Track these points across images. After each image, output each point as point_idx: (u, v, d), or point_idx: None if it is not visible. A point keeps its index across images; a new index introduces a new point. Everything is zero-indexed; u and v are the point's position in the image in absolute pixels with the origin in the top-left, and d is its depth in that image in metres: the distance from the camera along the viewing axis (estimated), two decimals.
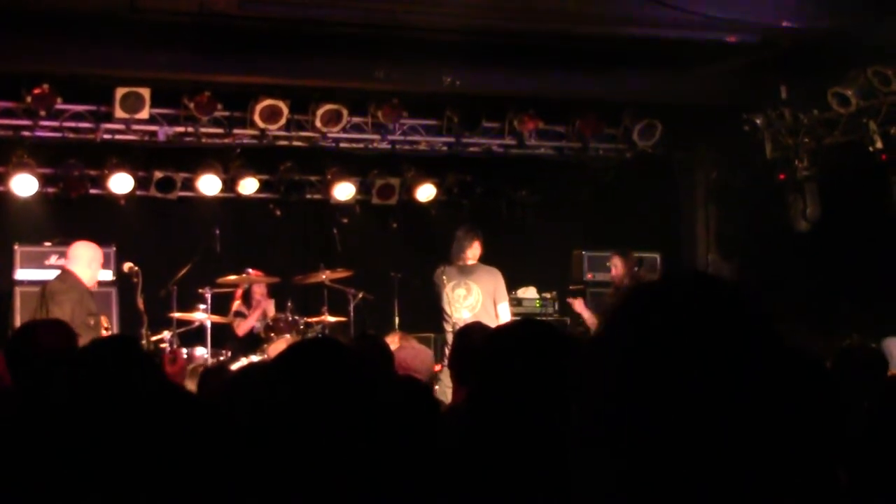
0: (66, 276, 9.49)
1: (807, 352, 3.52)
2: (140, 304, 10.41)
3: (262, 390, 2.72)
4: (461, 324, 9.58)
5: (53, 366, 4.13)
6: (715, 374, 1.49)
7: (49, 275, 10.80)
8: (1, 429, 3.80)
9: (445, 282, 10.54)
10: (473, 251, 10.64)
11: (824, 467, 2.59)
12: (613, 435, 1.51)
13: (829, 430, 3.24)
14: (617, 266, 11.70)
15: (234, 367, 9.92)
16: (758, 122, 11.42)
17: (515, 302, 12.52)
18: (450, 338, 9.97)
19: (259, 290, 12.13)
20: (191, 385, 7.22)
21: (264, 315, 11.87)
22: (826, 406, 3.32)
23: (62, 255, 11.36)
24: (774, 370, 1.53)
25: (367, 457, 2.58)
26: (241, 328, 11.94)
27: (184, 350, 10.72)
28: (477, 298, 10.58)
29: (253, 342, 11.60)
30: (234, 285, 11.92)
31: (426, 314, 11.81)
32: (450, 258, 10.71)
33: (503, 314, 10.62)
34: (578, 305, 11.89)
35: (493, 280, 10.68)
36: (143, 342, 10.15)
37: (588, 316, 11.72)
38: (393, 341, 8.01)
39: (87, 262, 9.52)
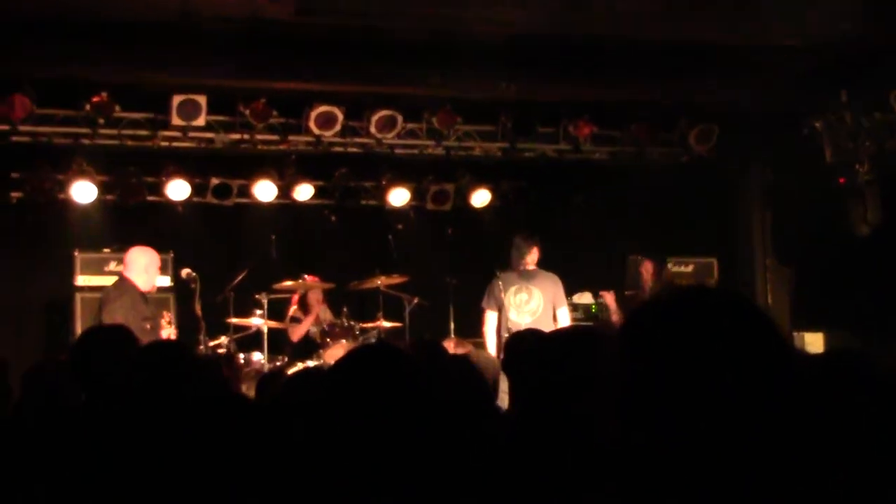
0: (120, 282, 9.59)
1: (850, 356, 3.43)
2: (198, 309, 10.46)
3: (321, 394, 2.71)
4: (522, 328, 9.66)
5: (114, 370, 4.16)
6: (704, 374, 1.69)
7: (109, 281, 10.98)
8: (67, 436, 3.83)
9: (502, 287, 10.59)
10: (532, 256, 10.76)
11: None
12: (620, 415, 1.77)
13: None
14: (648, 270, 11.61)
15: (291, 371, 9.98)
16: (817, 126, 11.30)
17: (572, 307, 12.44)
18: None
19: (315, 296, 12.15)
20: (249, 389, 7.24)
21: (318, 321, 11.89)
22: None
23: (121, 261, 11.49)
24: (762, 377, 1.74)
25: (424, 459, 2.57)
26: (296, 334, 11.98)
27: (241, 355, 10.79)
28: (538, 303, 10.66)
29: (309, 347, 11.63)
30: (291, 291, 11.96)
31: (482, 320, 11.79)
32: (509, 264, 10.78)
33: (563, 319, 10.74)
34: (609, 298, 11.82)
35: (554, 285, 10.79)
36: (202, 347, 10.23)
37: (616, 314, 11.65)
38: (449, 347, 8.00)
39: (144, 267, 9.60)
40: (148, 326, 9.35)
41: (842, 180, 11.47)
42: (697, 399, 1.67)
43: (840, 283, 11.68)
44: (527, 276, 10.72)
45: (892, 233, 11.18)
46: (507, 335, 10.15)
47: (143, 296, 9.51)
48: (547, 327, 10.49)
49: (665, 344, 1.73)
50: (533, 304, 10.65)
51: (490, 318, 10.76)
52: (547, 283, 10.79)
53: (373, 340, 11.17)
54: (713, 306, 1.80)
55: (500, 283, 10.64)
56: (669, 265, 12.35)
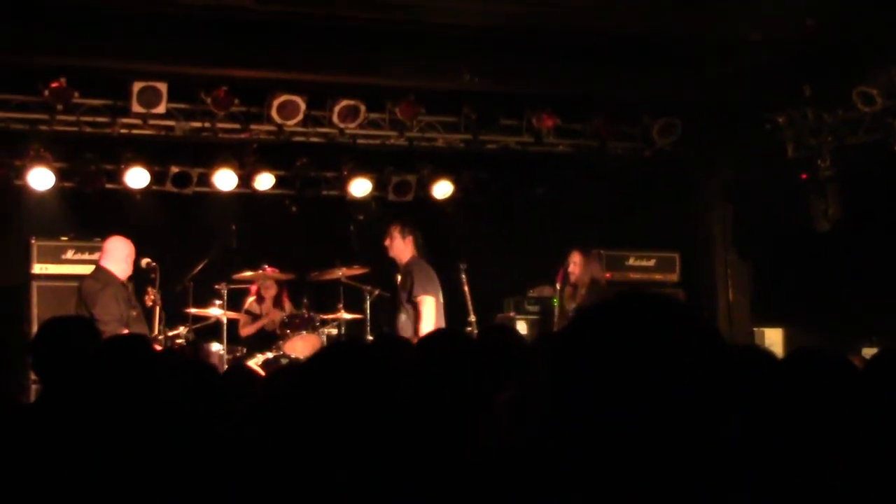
0: (98, 273, 9.63)
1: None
2: (157, 299, 10.39)
3: (291, 402, 2.65)
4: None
5: (79, 364, 4.08)
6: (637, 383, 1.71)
7: (66, 270, 10.95)
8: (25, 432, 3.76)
9: (434, 275, 10.42)
10: None
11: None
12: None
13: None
14: (576, 263, 11.09)
15: (251, 362, 9.93)
16: (780, 120, 11.33)
17: (532, 301, 12.46)
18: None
19: (269, 291, 12.13)
20: None
21: (271, 323, 11.84)
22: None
23: (79, 249, 11.39)
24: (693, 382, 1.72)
25: (398, 460, 2.52)
26: (245, 330, 11.94)
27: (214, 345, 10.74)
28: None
29: (269, 338, 11.56)
30: (250, 281, 11.89)
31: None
32: (420, 254, 10.57)
33: None
34: None
35: None
36: (161, 337, 10.15)
37: None
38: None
39: (124, 256, 9.70)
40: (134, 314, 9.44)
41: (804, 176, 11.51)
42: (630, 411, 1.71)
43: (800, 279, 11.74)
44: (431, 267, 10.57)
45: (853, 229, 11.23)
46: (441, 324, 10.08)
47: (123, 283, 9.54)
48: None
49: (594, 354, 1.76)
50: (441, 294, 10.52)
51: (432, 305, 10.25)
52: None
53: (334, 332, 11.12)
54: (645, 314, 1.80)
55: (432, 271, 10.45)
56: (601, 253, 12.20)
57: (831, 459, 2.89)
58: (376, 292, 11.77)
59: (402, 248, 10.54)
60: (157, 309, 10.16)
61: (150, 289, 10.12)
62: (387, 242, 10.62)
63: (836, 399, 3.10)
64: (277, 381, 3.59)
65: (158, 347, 9.34)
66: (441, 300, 10.36)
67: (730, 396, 1.75)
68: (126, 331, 8.85)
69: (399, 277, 10.58)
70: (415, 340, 10.19)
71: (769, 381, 3.10)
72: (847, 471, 2.88)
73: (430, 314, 10.13)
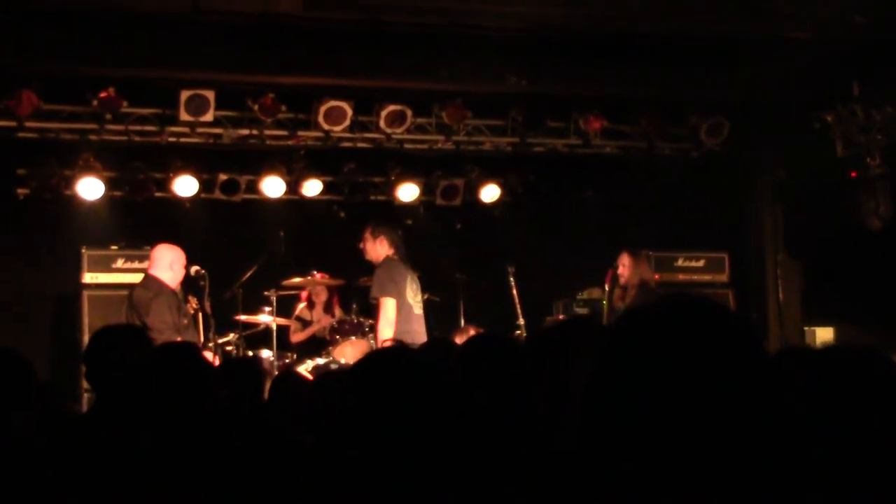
0: (148, 281, 9.69)
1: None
2: (207, 306, 10.44)
3: (339, 408, 2.65)
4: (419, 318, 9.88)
5: (131, 373, 4.11)
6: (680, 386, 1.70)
7: (116, 278, 11.04)
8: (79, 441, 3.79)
9: (400, 276, 10.24)
10: None
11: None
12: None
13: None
14: (625, 265, 10.93)
15: (301, 368, 9.96)
16: (828, 119, 11.23)
17: (581, 304, 12.41)
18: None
19: (320, 297, 12.16)
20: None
21: (321, 330, 11.84)
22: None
23: (129, 258, 11.48)
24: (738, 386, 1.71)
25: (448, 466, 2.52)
26: (295, 337, 11.97)
27: (250, 353, 10.76)
28: (420, 295, 10.46)
29: (318, 344, 11.59)
30: (299, 287, 11.93)
31: (492, 315, 11.75)
32: (396, 252, 10.48)
33: None
34: None
35: None
36: (211, 345, 10.20)
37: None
38: (468, 334, 7.91)
39: (169, 263, 9.74)
40: (185, 322, 9.52)
41: (853, 174, 11.40)
42: (671, 413, 1.71)
43: (851, 278, 11.62)
44: (409, 267, 10.47)
45: None
46: (407, 325, 10.03)
47: (173, 291, 9.62)
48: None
49: (641, 355, 1.76)
50: (419, 295, 10.43)
51: (392, 307, 10.03)
52: None
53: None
54: (689, 318, 1.80)
55: (396, 271, 10.32)
56: (650, 254, 12.08)
57: (867, 459, 2.87)
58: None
59: (374, 249, 10.47)
60: (200, 316, 10.22)
61: (190, 297, 10.18)
62: (360, 246, 10.56)
63: (871, 397, 3.06)
64: (323, 387, 3.60)
65: (209, 355, 9.38)
66: (407, 301, 10.22)
67: (770, 400, 1.75)
68: (179, 338, 8.91)
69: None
70: (374, 342, 10.23)
71: (808, 381, 3.07)
72: (883, 470, 2.85)
73: (388, 315, 9.98)
